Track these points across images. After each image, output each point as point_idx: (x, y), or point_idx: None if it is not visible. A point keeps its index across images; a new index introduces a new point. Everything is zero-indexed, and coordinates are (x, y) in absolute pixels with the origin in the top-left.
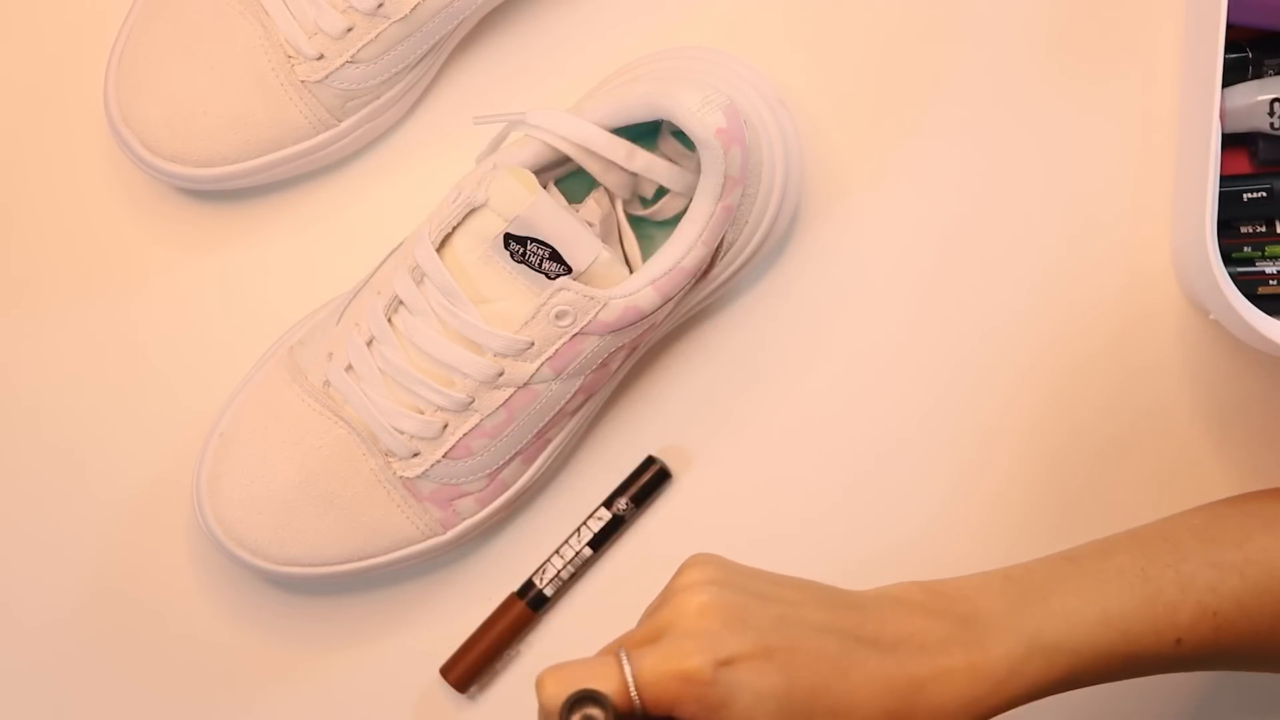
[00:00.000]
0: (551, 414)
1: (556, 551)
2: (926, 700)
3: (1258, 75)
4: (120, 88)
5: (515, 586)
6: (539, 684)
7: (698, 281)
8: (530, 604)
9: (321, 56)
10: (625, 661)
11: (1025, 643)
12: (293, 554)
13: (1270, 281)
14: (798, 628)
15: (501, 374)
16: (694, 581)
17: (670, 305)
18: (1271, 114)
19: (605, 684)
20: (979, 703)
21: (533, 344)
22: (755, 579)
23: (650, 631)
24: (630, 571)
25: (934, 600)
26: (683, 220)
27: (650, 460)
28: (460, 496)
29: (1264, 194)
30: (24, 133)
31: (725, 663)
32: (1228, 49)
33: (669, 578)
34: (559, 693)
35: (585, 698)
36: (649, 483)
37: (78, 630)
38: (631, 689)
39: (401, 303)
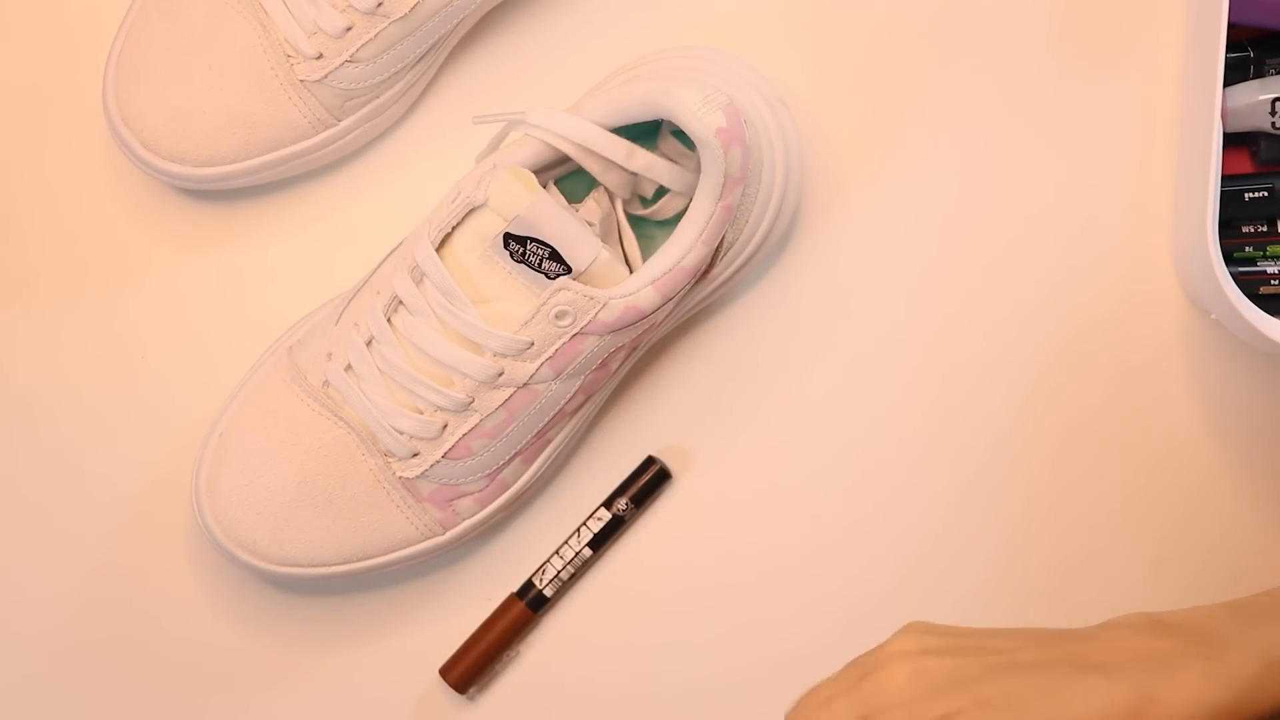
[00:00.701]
0: (551, 414)
1: (556, 552)
2: (1165, 711)
3: (1259, 74)
4: (119, 87)
5: (515, 587)
6: None
7: (698, 281)
8: (530, 604)
9: (320, 56)
10: None
11: (1261, 658)
12: (292, 554)
13: (1272, 281)
14: (1011, 672)
15: (501, 374)
16: (900, 650)
17: (670, 305)
18: (1273, 113)
19: None
20: (1222, 713)
21: (532, 344)
22: (964, 636)
23: (858, 703)
24: (630, 572)
25: (1161, 624)
26: (683, 220)
27: (650, 460)
28: (460, 497)
29: (1265, 193)
30: (23, 132)
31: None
32: (1229, 48)
33: (668, 579)
34: None
35: None
36: (649, 483)
37: (77, 631)
38: None
39: (401, 303)
